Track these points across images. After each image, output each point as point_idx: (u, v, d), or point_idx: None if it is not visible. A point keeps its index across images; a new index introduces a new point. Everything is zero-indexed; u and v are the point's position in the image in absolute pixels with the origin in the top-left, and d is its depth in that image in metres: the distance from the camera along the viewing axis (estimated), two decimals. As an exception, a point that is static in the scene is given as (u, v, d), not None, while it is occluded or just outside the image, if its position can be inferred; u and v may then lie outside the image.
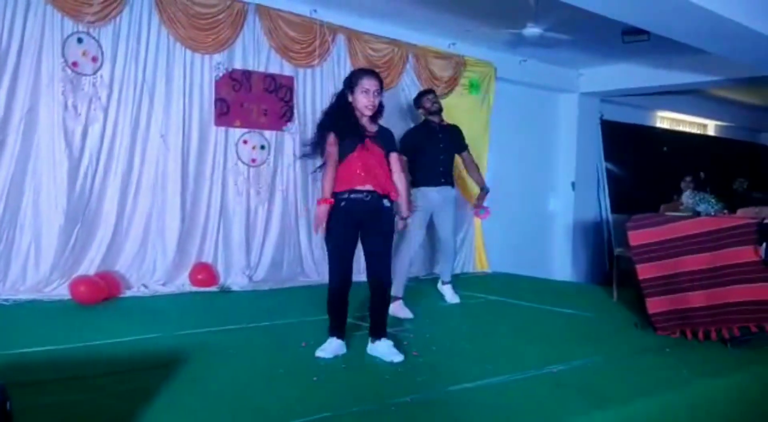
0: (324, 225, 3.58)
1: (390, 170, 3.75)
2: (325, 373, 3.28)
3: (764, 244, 4.18)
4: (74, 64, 5.10)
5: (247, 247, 6.04)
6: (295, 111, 6.26)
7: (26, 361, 3.38)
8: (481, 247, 7.88)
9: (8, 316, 4.42)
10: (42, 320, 4.37)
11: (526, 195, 8.84)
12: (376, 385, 3.13)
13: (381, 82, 3.74)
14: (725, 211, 4.60)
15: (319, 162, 3.77)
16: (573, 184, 9.26)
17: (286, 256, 6.29)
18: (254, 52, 6.00)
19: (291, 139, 6.16)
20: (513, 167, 8.60)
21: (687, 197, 4.72)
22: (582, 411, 2.84)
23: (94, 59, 5.20)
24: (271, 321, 4.54)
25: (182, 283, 5.65)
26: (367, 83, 3.66)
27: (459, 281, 6.91)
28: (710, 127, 12.44)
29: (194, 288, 5.61)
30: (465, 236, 7.77)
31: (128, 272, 5.48)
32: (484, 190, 5.73)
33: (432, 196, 5.25)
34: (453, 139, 5.53)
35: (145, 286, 5.49)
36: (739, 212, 5.07)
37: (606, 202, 9.79)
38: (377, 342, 3.64)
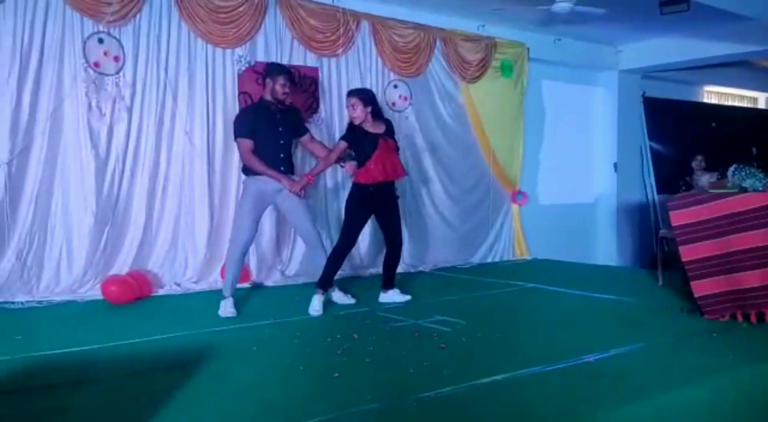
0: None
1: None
2: (347, 369, 3.18)
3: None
4: (96, 64, 5.09)
5: (279, 242, 5.97)
6: (321, 102, 6.16)
7: (55, 363, 3.37)
8: (520, 234, 7.67)
9: (41, 318, 4.44)
10: (73, 321, 4.38)
11: (566, 178, 8.56)
12: (399, 380, 3.01)
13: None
14: (775, 185, 4.30)
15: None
16: (615, 165, 8.93)
17: (320, 249, 6.20)
18: (276, 44, 5.91)
19: (318, 131, 6.05)
20: (551, 150, 8.35)
21: (732, 173, 4.43)
22: (616, 403, 2.67)
23: (116, 59, 5.18)
24: (301, 316, 4.45)
25: (214, 280, 5.61)
26: None
27: (497, 269, 6.76)
28: (761, 100, 11.87)
29: (225, 285, 5.56)
30: (503, 223, 7.56)
31: (160, 271, 5.47)
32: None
33: (267, 185, 4.68)
34: (292, 122, 4.91)
35: (178, 284, 5.48)
36: (792, 186, 4.76)
37: (652, 182, 9.43)
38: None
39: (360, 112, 4.61)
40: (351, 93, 4.78)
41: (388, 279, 4.95)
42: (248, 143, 4.68)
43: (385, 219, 4.85)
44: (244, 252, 4.80)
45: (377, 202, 4.74)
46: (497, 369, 3.07)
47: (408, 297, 4.90)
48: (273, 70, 4.87)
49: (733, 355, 3.30)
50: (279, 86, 4.74)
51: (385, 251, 4.98)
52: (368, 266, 6.37)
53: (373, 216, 4.89)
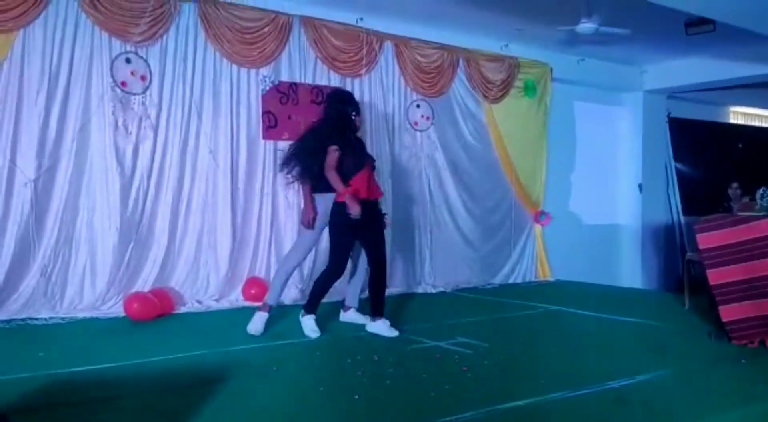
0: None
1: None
2: (367, 391, 3.14)
3: None
4: (123, 83, 5.17)
5: (300, 261, 5.97)
6: (344, 121, 6.18)
7: (76, 380, 3.38)
8: (543, 255, 7.60)
9: (64, 335, 4.48)
10: (96, 338, 4.40)
11: (590, 199, 8.48)
12: (419, 403, 2.96)
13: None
14: (804, 209, 4.22)
15: None
16: (640, 186, 8.84)
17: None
18: (300, 64, 5.96)
19: (341, 150, 6.07)
20: (575, 170, 8.30)
21: (761, 196, 4.35)
22: (644, 431, 2.60)
23: (143, 78, 5.26)
24: (319, 335, 4.42)
25: (235, 298, 5.63)
26: None
27: (520, 290, 6.69)
28: (789, 120, 11.70)
29: (247, 303, 5.56)
30: (525, 244, 7.50)
31: (182, 288, 5.49)
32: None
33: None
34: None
35: (199, 302, 5.49)
36: (822, 209, 4.66)
37: (677, 204, 9.30)
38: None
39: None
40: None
41: (377, 306, 4.53)
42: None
43: (369, 238, 4.50)
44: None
45: (363, 220, 4.34)
46: (519, 394, 3.02)
47: (396, 333, 4.42)
48: (344, 96, 4.77)
49: (762, 383, 3.21)
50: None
51: (369, 274, 4.62)
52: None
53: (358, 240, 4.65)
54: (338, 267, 4.46)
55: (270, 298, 4.62)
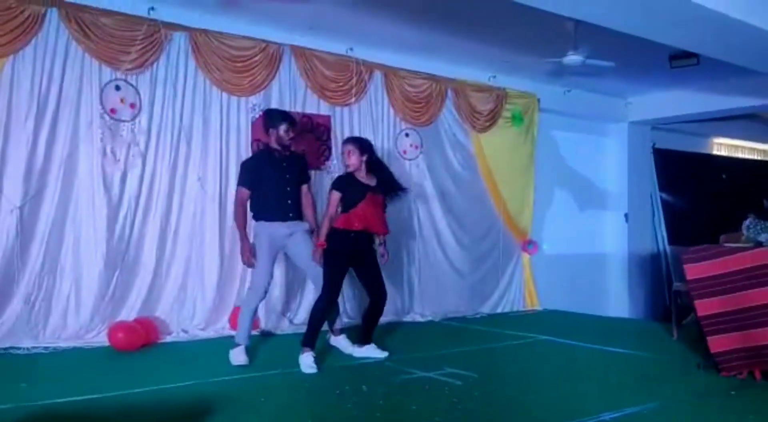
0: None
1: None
2: (356, 424, 3.11)
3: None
4: (112, 110, 5.16)
5: (288, 290, 5.93)
6: (333, 150, 6.20)
7: (59, 412, 3.32)
8: (531, 284, 7.61)
9: (46, 365, 4.40)
10: (79, 368, 4.33)
11: (576, 228, 8.53)
12: (410, 436, 2.93)
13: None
14: (790, 241, 4.26)
15: None
16: (626, 216, 8.91)
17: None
18: (290, 93, 5.99)
19: (330, 178, 6.05)
20: (562, 200, 8.35)
21: (747, 227, 4.40)
22: (636, 465, 2.58)
23: (132, 106, 5.25)
24: (316, 371, 4.36)
25: (222, 327, 5.56)
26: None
27: (508, 320, 6.67)
28: (771, 152, 11.88)
29: (234, 332, 5.47)
30: (513, 273, 7.51)
31: (168, 317, 5.42)
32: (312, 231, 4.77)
33: (277, 229, 4.61)
34: (298, 169, 4.80)
35: (185, 331, 5.42)
36: (807, 241, 4.70)
37: (663, 234, 9.37)
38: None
39: (355, 160, 4.50)
40: (348, 140, 4.72)
41: (367, 334, 4.72)
42: (244, 193, 4.65)
43: (365, 273, 4.65)
44: (262, 300, 4.74)
45: (355, 253, 4.52)
46: (511, 427, 3.00)
47: (386, 354, 4.63)
48: (274, 117, 4.74)
49: (753, 415, 3.21)
50: (283, 133, 4.64)
51: (368, 304, 4.72)
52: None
53: (354, 272, 4.72)
54: (332, 295, 4.48)
55: (240, 339, 4.56)
